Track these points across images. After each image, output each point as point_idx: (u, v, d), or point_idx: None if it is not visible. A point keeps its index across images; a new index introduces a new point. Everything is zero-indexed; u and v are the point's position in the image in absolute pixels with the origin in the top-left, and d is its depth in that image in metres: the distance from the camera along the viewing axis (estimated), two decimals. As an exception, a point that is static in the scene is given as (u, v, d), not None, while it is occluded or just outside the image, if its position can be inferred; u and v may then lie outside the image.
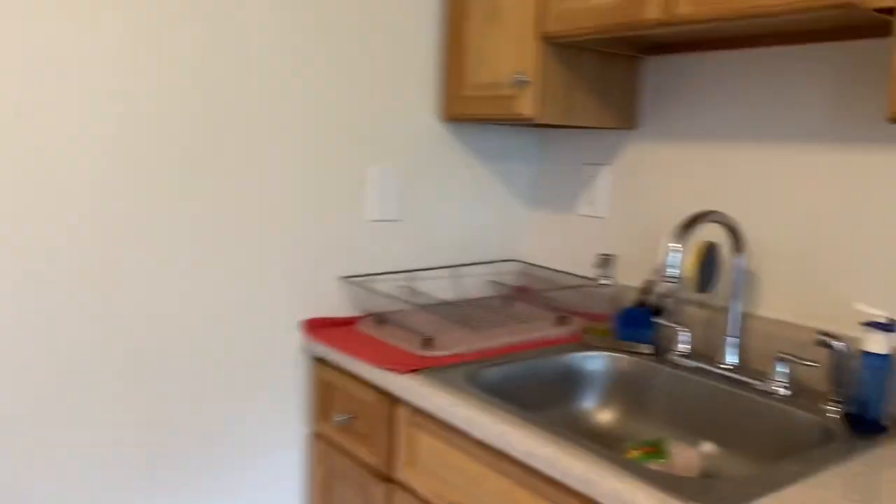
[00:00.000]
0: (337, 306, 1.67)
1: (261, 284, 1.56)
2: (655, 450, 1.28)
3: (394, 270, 1.74)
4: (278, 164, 1.54)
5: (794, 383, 1.32)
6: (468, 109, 1.65)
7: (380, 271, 1.72)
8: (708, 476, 1.26)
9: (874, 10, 1.01)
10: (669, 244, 1.48)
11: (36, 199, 1.29)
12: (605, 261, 1.56)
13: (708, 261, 1.46)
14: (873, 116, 1.28)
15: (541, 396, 1.47)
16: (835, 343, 1.23)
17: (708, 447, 1.28)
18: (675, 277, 1.26)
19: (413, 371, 1.36)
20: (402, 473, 1.37)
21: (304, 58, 1.54)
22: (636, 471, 0.98)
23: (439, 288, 1.81)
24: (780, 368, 1.31)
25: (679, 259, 1.26)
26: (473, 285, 1.88)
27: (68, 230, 1.33)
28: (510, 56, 1.52)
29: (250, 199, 1.52)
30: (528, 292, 1.87)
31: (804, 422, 1.22)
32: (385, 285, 1.73)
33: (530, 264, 1.90)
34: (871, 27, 1.20)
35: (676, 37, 1.44)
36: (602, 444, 1.37)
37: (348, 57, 1.60)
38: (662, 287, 1.54)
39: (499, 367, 1.41)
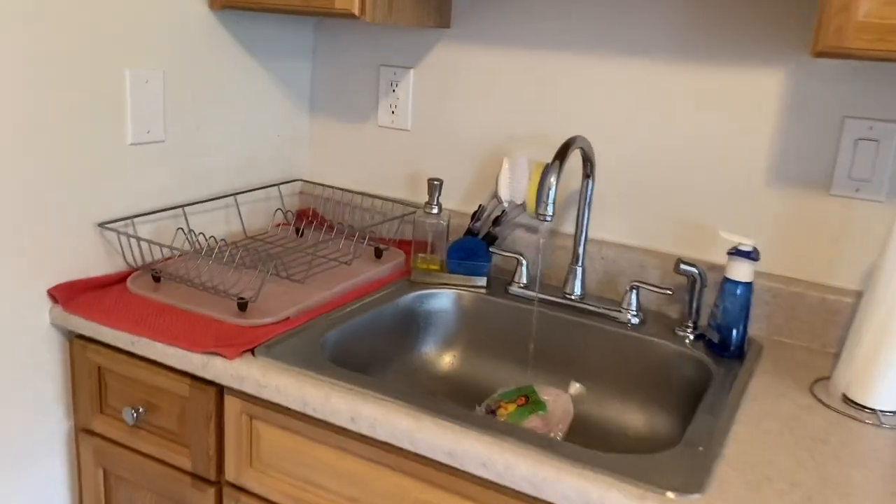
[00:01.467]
0: (97, 262, 1.25)
1: (-18, 248, 1.09)
2: (527, 400, 1.19)
3: (163, 207, 1.35)
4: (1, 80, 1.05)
5: (644, 312, 1.30)
6: (253, -3, 1.28)
7: (145, 210, 1.32)
8: (597, 427, 1.21)
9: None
10: (510, 166, 1.34)
11: None
12: (433, 186, 1.37)
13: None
14: (726, 33, 1.23)
15: (383, 349, 1.28)
16: (692, 269, 1.22)
17: (576, 388, 1.22)
18: (538, 214, 1.12)
19: (245, 351, 1.06)
20: (239, 476, 1.09)
21: None
22: (587, 460, 0.86)
23: (216, 222, 1.47)
24: (632, 297, 1.28)
25: (546, 192, 1.12)
26: (254, 214, 1.56)
27: None
28: (321, -68, 1.18)
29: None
30: (319, 218, 1.61)
31: (669, 353, 1.21)
32: (153, 228, 1.34)
33: (320, 184, 1.63)
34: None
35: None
36: (460, 401, 1.25)
37: (82, -88, 1.11)
38: (496, 213, 1.40)
39: (337, 327, 1.17)
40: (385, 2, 1.24)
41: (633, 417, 1.22)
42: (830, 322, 1.21)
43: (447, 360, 1.36)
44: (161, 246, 1.28)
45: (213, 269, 1.30)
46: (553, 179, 1.11)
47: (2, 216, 1.10)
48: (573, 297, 1.32)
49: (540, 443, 0.88)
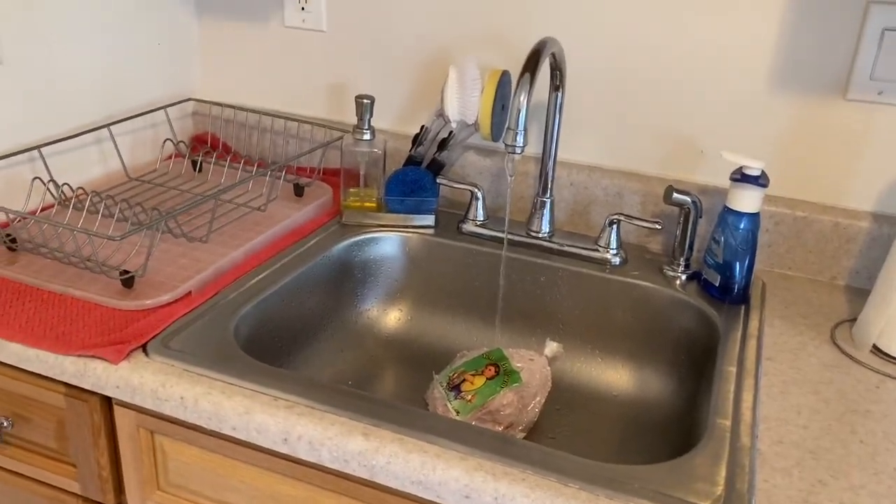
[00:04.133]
0: (-79, 236, 0.94)
1: None
2: (497, 370, 0.98)
3: (11, 151, 1.04)
4: None
5: (626, 249, 1.09)
6: None
7: (-15, 156, 1.01)
8: (580, 393, 1.02)
9: None
10: (458, 75, 1.08)
11: None
12: (363, 106, 1.09)
13: (501, 97, 1.09)
14: None
15: (313, 317, 1.04)
16: (685, 198, 1.01)
17: (553, 347, 1.01)
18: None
19: (136, 349, 0.80)
20: (146, 499, 0.86)
21: None
22: (591, 479, 0.66)
23: (88, 164, 1.16)
24: (612, 233, 1.06)
25: (516, 112, 0.87)
26: (138, 148, 1.25)
27: None
28: None
29: None
30: (221, 146, 1.32)
31: (660, 298, 1.01)
32: (1, 179, 1.02)
33: (218, 104, 1.31)
34: None
35: None
36: (413, 368, 1.03)
37: None
38: (443, 134, 1.14)
39: (252, 302, 0.92)
40: None
41: (619, 378, 1.04)
42: (843, 251, 1.03)
43: (394, 319, 1.13)
44: (8, 210, 0.98)
45: (86, 227, 1.01)
46: (523, 98, 0.86)
47: None
48: (541, 235, 1.10)
49: (541, 462, 0.67)
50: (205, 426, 0.75)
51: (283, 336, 0.98)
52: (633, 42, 1.07)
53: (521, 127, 0.86)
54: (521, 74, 0.86)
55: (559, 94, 1.04)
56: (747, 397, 0.79)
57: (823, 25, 0.98)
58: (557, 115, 1.05)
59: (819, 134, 1.03)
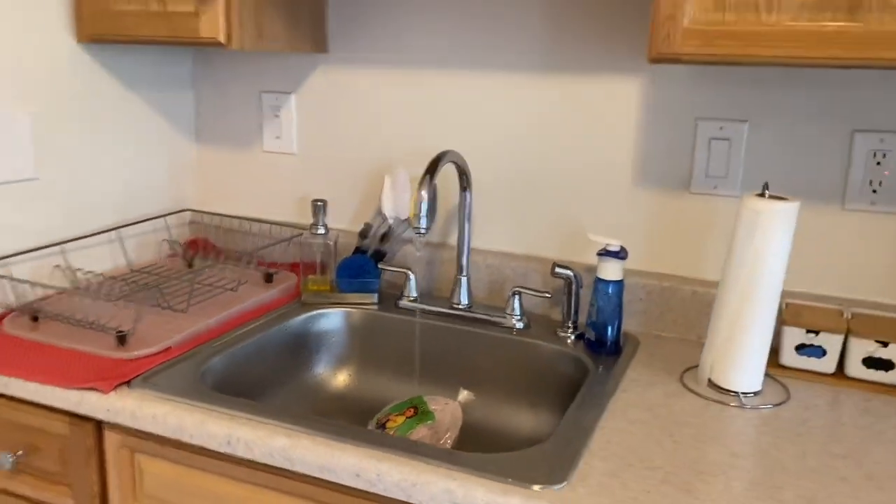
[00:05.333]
0: (-33, 307, 1.22)
1: None
2: (416, 411, 1.20)
3: (39, 246, 1.33)
4: None
5: (528, 315, 1.34)
6: (120, 28, 1.27)
7: (19, 249, 1.29)
8: (486, 430, 1.24)
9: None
10: (392, 182, 1.37)
11: None
12: (317, 207, 1.38)
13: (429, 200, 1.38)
14: (588, 46, 1.29)
15: (274, 374, 1.28)
16: (567, 272, 1.27)
17: (464, 395, 1.24)
18: (410, 224, 1.15)
19: (121, 384, 1.05)
20: (123, 511, 1.08)
21: None
22: (459, 461, 0.88)
23: (101, 259, 1.44)
24: (515, 302, 1.31)
25: (419, 204, 1.15)
26: (143, 248, 1.54)
27: None
28: (182, -38, 1.19)
29: None
30: (210, 247, 1.60)
31: (550, 353, 1.25)
32: (29, 267, 1.31)
33: (209, 213, 1.62)
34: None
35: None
36: (356, 418, 1.26)
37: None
38: (383, 229, 1.43)
39: (221, 354, 1.17)
40: (253, 29, 1.26)
41: (522, 419, 1.26)
42: (703, 313, 1.27)
43: (342, 380, 1.37)
44: (35, 285, 1.25)
45: (93, 305, 1.28)
46: (424, 193, 1.14)
47: None
48: (460, 307, 1.35)
49: (411, 449, 0.90)
50: (170, 436, 0.98)
51: (245, 387, 1.21)
52: (525, 153, 1.37)
53: (423, 212, 1.13)
54: (423, 176, 1.15)
55: (467, 194, 1.32)
56: (594, 413, 1.01)
57: (668, 137, 1.27)
58: (467, 210, 1.33)
59: (674, 220, 1.29)
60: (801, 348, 1.14)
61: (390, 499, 0.88)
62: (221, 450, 0.96)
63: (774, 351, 1.18)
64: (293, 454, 0.91)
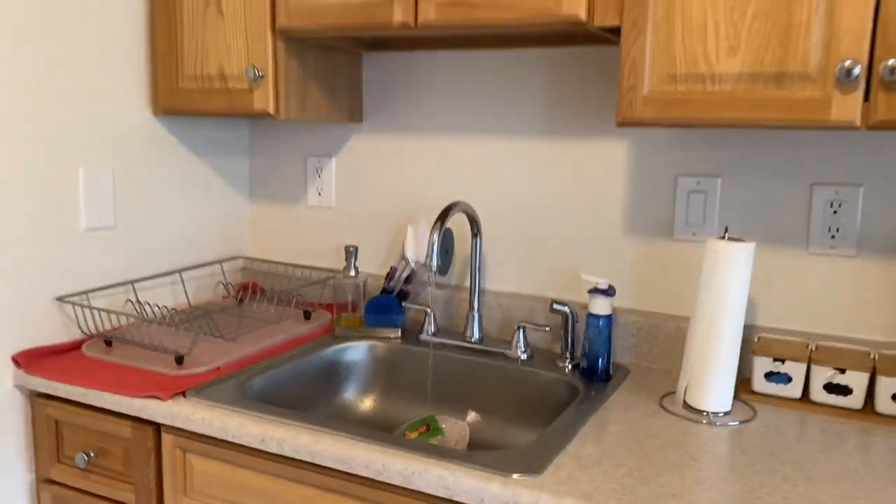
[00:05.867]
0: (56, 331, 1.45)
1: (-45, 319, 1.29)
2: (428, 428, 1.37)
3: (114, 283, 1.56)
4: (-35, 172, 1.28)
5: (532, 348, 1.51)
6: (189, 103, 1.53)
7: (98, 286, 1.53)
8: (486, 446, 1.40)
9: (599, 28, 1.19)
10: (414, 231, 1.57)
11: None
12: (349, 252, 1.60)
13: (444, 245, 1.58)
14: (581, 114, 1.49)
15: (308, 395, 1.47)
16: (563, 308, 1.44)
17: (472, 416, 1.41)
18: (424, 264, 1.35)
19: (177, 394, 1.25)
20: (176, 501, 1.27)
21: (-13, 44, 1.29)
22: (453, 457, 1.05)
23: (164, 296, 1.68)
24: (519, 336, 1.48)
25: (430, 246, 1.34)
26: (201, 289, 1.77)
27: None
28: (240, 49, 1.45)
29: (-68, 218, 1.24)
30: (258, 289, 1.82)
31: (548, 380, 1.41)
32: (106, 301, 1.54)
33: (259, 260, 1.85)
34: (585, 38, 1.39)
35: (399, 36, 1.51)
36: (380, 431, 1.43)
37: (48, 53, 1.37)
38: (406, 272, 1.62)
39: (262, 374, 1.37)
40: (298, 103, 1.50)
41: (521, 437, 1.41)
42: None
43: (368, 404, 1.55)
44: (111, 313, 1.48)
45: (157, 332, 1.50)
46: (435, 236, 1.34)
47: (-28, 292, 1.31)
48: (472, 340, 1.53)
49: (411, 446, 1.07)
50: (216, 436, 1.18)
51: (281, 405, 1.40)
52: (529, 205, 1.56)
53: (434, 254, 1.33)
54: (434, 223, 1.35)
55: (477, 240, 1.51)
56: (576, 425, 1.17)
57: (651, 190, 1.45)
58: (478, 253, 1.52)
59: (660, 263, 1.46)
60: (769, 376, 1.28)
61: (393, 485, 1.05)
62: (257, 447, 1.14)
63: (747, 379, 1.32)
64: (315, 449, 1.09)
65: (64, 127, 1.43)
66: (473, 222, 1.51)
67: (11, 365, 1.38)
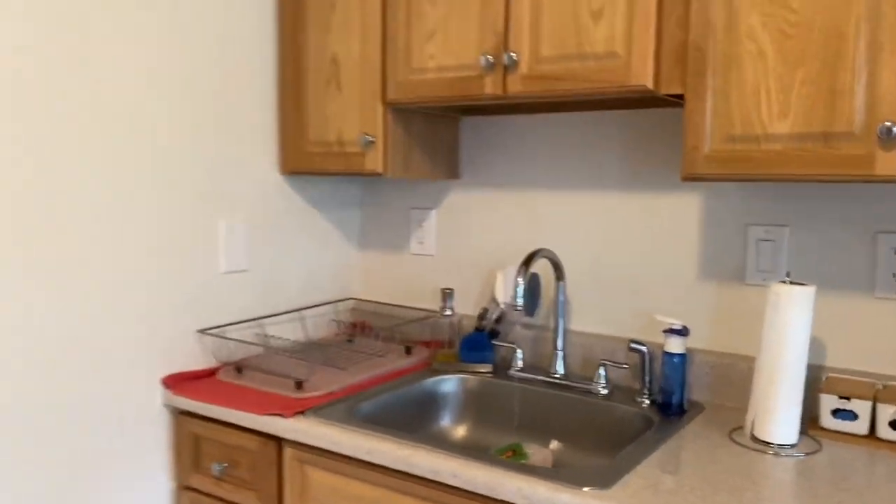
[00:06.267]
0: (196, 358, 1.70)
1: (119, 342, 1.55)
2: (515, 453, 1.52)
3: (245, 319, 1.81)
4: (133, 227, 1.56)
5: (612, 383, 1.63)
6: (312, 164, 1.78)
7: (232, 321, 1.78)
8: (565, 466, 1.53)
9: (665, 95, 1.35)
10: (503, 276, 1.75)
11: None
12: (446, 294, 1.78)
13: (532, 288, 1.75)
14: (655, 170, 1.64)
15: (407, 421, 1.65)
16: (641, 347, 1.56)
17: (555, 444, 1.55)
18: (512, 305, 1.51)
19: (297, 413, 1.46)
20: (293, 510, 1.46)
21: (150, 122, 1.58)
22: (532, 472, 1.19)
23: (286, 331, 1.91)
24: (601, 372, 1.61)
25: (515, 288, 1.51)
26: (317, 325, 2.00)
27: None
28: (355, 118, 1.69)
29: (105, 259, 1.51)
30: (366, 327, 2.04)
31: (626, 413, 1.53)
32: (238, 334, 1.79)
33: (368, 301, 2.07)
34: (656, 102, 1.55)
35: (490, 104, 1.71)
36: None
37: (192, 122, 1.66)
38: (497, 313, 1.79)
39: (369, 399, 1.56)
40: (402, 163, 1.72)
41: (598, 462, 1.53)
42: (757, 385, 1.51)
43: (460, 431, 1.71)
44: (242, 343, 1.72)
45: (281, 361, 1.73)
46: (520, 279, 1.50)
47: (131, 330, 1.57)
48: (557, 376, 1.67)
49: (495, 461, 1.23)
50: (330, 449, 1.37)
51: (390, 426, 1.58)
52: (609, 253, 1.70)
53: (520, 294, 1.49)
54: (519, 267, 1.52)
55: (561, 284, 1.67)
56: (648, 450, 1.29)
57: (723, 239, 1.57)
58: (562, 295, 1.67)
59: (733, 306, 1.56)
60: (836, 412, 1.36)
61: (478, 494, 1.21)
62: (364, 458, 1.33)
63: (816, 416, 1.40)
64: (412, 461, 1.27)
65: (209, 186, 1.70)
66: (557, 268, 1.66)
67: (160, 387, 1.64)
